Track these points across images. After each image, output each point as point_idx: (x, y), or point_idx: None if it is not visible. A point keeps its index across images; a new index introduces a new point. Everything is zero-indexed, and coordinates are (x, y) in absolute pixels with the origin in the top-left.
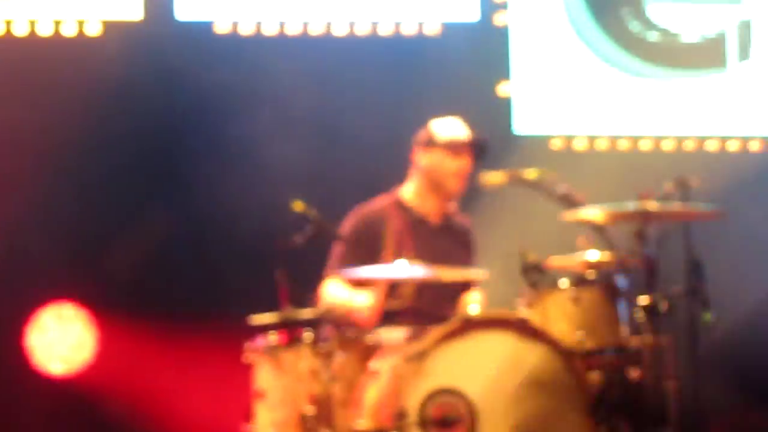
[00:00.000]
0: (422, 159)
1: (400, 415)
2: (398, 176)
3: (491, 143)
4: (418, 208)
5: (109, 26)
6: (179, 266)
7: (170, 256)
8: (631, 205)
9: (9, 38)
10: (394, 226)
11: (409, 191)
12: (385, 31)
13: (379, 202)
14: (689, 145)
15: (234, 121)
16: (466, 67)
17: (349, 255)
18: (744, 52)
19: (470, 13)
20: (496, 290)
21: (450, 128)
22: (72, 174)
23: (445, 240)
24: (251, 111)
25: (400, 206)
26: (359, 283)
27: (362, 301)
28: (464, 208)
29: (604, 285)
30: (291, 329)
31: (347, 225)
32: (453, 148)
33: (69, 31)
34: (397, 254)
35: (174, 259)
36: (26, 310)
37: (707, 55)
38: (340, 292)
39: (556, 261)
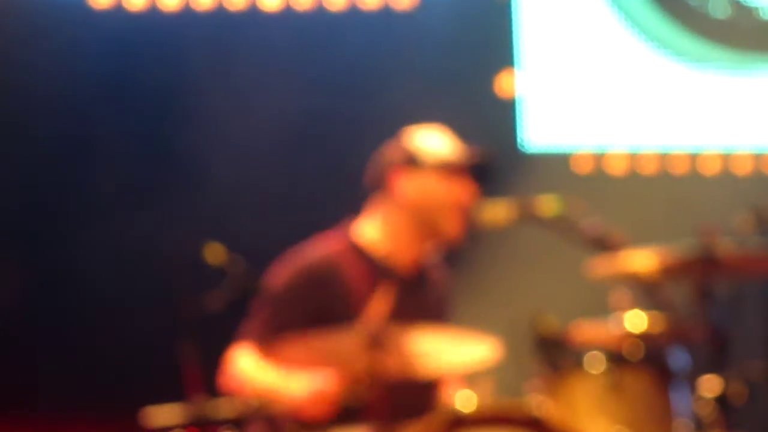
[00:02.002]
0: (402, 185)
1: None
2: (354, 207)
3: (496, 163)
4: (384, 255)
5: None
6: (44, 343)
7: (31, 329)
8: (689, 249)
9: None
10: (351, 280)
11: (371, 231)
12: (334, 3)
13: (325, 247)
14: None
15: (117, 130)
16: (453, 53)
17: (278, 319)
18: None
19: None
20: (498, 373)
21: (441, 142)
22: None
23: (421, 301)
24: (142, 116)
25: (358, 252)
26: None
27: (299, 388)
28: (451, 254)
29: (652, 365)
30: (203, 430)
31: (280, 279)
32: (450, 171)
33: None
34: (352, 316)
35: (36, 333)
36: None
37: None
38: (262, 371)
39: (583, 331)
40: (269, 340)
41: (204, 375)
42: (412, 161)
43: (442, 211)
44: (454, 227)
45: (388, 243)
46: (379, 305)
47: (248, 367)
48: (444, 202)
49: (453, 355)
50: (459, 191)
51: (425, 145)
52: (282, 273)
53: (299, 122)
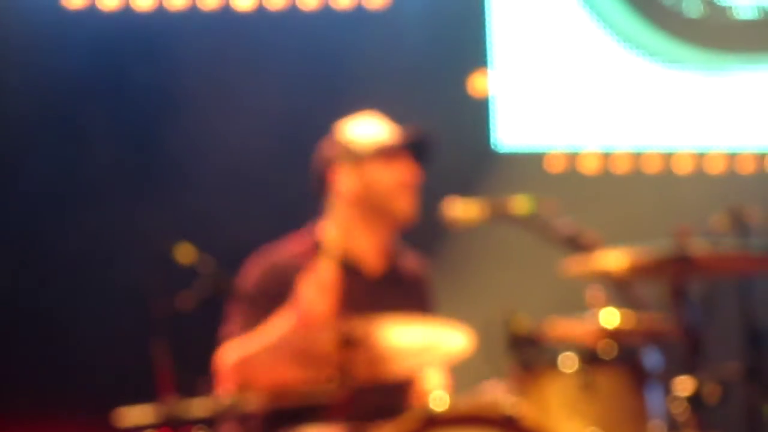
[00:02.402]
0: (344, 180)
1: None
2: (316, 208)
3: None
4: (348, 254)
5: None
6: (14, 342)
7: (0, 328)
8: (664, 249)
9: None
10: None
11: (331, 230)
12: (306, 3)
13: (291, 247)
14: (746, 165)
15: (87, 132)
16: (425, 52)
17: (254, 320)
18: None
19: None
20: (470, 371)
21: (373, 130)
22: None
23: (392, 297)
24: (113, 116)
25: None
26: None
27: (287, 316)
28: (424, 252)
29: (626, 364)
30: (176, 430)
31: (249, 279)
32: (388, 155)
33: None
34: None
35: (6, 332)
36: None
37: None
38: (248, 344)
39: (556, 329)
40: (249, 341)
41: (176, 374)
42: (347, 154)
43: (389, 196)
44: (405, 208)
45: (348, 241)
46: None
47: (234, 355)
48: (388, 186)
49: (427, 349)
50: (400, 172)
51: (358, 135)
52: (251, 273)
53: (272, 122)
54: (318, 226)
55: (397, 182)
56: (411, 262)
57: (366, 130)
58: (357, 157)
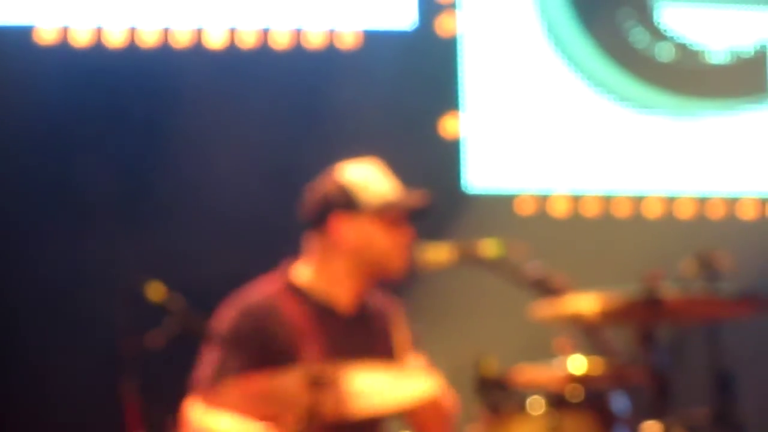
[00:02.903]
0: (342, 230)
1: None
2: (292, 247)
3: (435, 204)
4: (322, 294)
5: None
6: None
7: None
8: (633, 293)
9: None
10: (290, 321)
11: (307, 272)
12: (278, 41)
13: (264, 289)
14: (715, 210)
15: (56, 166)
16: (396, 93)
17: (229, 363)
18: None
19: (402, 18)
20: None
21: (379, 184)
22: None
23: (363, 336)
24: (84, 151)
25: (297, 293)
26: (239, 404)
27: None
28: (393, 294)
29: (594, 408)
30: None
31: (225, 322)
32: (390, 215)
33: None
34: (293, 357)
35: None
36: None
37: (741, 80)
38: (210, 417)
39: (525, 373)
40: (217, 386)
41: (144, 413)
42: (351, 204)
43: (386, 255)
44: (396, 268)
45: (325, 283)
46: (316, 345)
47: (201, 420)
48: (385, 247)
49: (394, 391)
50: (400, 236)
51: (364, 187)
52: (227, 317)
53: (242, 159)
54: (292, 267)
55: (397, 244)
56: (377, 300)
57: (371, 181)
58: (360, 210)
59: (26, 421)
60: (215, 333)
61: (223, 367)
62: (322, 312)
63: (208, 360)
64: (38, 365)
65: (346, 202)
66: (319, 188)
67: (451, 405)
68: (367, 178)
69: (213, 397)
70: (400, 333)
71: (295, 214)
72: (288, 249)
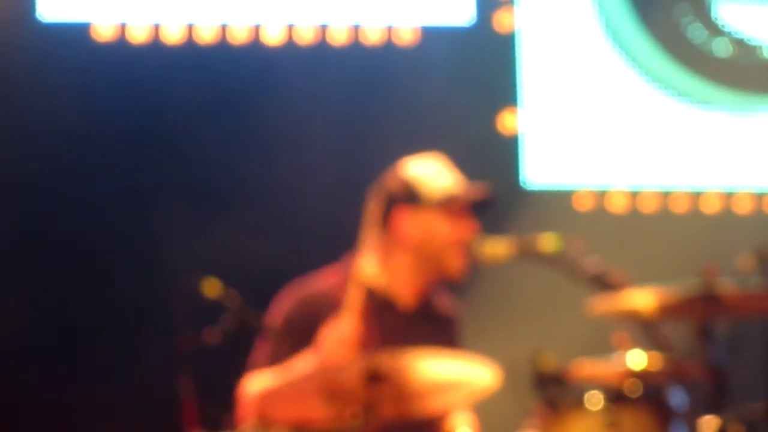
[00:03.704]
0: (404, 223)
1: None
2: (352, 241)
3: (496, 197)
4: (384, 288)
5: None
6: (42, 377)
7: (29, 362)
8: (690, 288)
9: None
10: (350, 313)
11: (371, 266)
12: (337, 38)
13: (326, 280)
14: None
15: (114, 165)
16: (454, 89)
17: (281, 353)
18: None
19: (460, 13)
20: (496, 410)
21: (442, 178)
22: None
23: (424, 333)
24: (142, 150)
25: (357, 286)
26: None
27: (304, 364)
28: (452, 288)
29: (652, 403)
30: None
31: (279, 312)
32: (453, 208)
33: None
34: (356, 352)
35: (34, 366)
36: None
37: None
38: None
39: (583, 368)
40: (275, 376)
41: (201, 409)
42: (413, 198)
43: (445, 250)
44: (457, 264)
45: (387, 277)
46: (374, 338)
47: (258, 386)
48: (447, 240)
49: (455, 385)
50: (462, 229)
51: (427, 180)
52: (282, 307)
53: (301, 155)
54: (355, 260)
55: (458, 238)
56: (444, 301)
57: (435, 175)
58: (422, 204)
59: (85, 418)
60: (271, 323)
61: (277, 356)
62: (382, 305)
63: (263, 349)
64: (98, 362)
65: (408, 196)
66: (383, 183)
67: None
68: (430, 172)
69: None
70: (460, 336)
71: (355, 212)
72: (349, 246)
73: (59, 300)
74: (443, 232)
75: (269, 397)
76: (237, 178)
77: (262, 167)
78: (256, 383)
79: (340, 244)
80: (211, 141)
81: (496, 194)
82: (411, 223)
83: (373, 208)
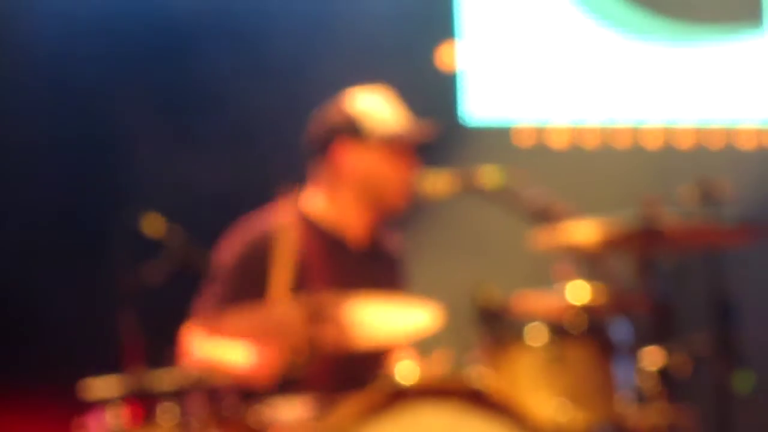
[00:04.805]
0: (346, 158)
1: None
2: (294, 177)
3: (440, 137)
4: (333, 225)
5: None
6: None
7: None
8: (633, 221)
9: None
10: (299, 251)
11: (317, 201)
12: None
13: (274, 219)
14: (714, 138)
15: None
16: (393, 24)
17: (229, 294)
18: None
19: None
20: (438, 344)
21: (387, 113)
22: None
23: (374, 272)
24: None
25: (306, 223)
26: (239, 333)
27: (242, 358)
28: (393, 224)
29: (594, 337)
30: (143, 401)
31: (226, 252)
32: (396, 146)
33: None
34: (302, 291)
35: None
36: None
37: (739, 5)
38: (210, 344)
39: (525, 302)
40: (218, 315)
41: (144, 347)
42: (357, 132)
43: (387, 185)
44: (399, 199)
45: (335, 214)
46: (323, 277)
47: (198, 345)
48: (389, 176)
49: (394, 323)
50: (404, 165)
51: (371, 115)
52: (230, 247)
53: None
54: (302, 196)
55: (401, 174)
56: (393, 241)
57: (378, 110)
58: (366, 138)
59: (27, 356)
60: (218, 264)
61: (224, 297)
62: (333, 244)
63: (210, 290)
64: (38, 300)
65: (352, 130)
66: (325, 115)
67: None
68: (374, 106)
69: (213, 326)
70: (405, 273)
71: (301, 145)
72: (296, 180)
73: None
74: (386, 169)
75: (210, 330)
76: (189, 112)
77: (212, 100)
78: (197, 340)
79: (287, 178)
80: (149, 75)
81: (438, 132)
82: (354, 157)
83: (315, 138)
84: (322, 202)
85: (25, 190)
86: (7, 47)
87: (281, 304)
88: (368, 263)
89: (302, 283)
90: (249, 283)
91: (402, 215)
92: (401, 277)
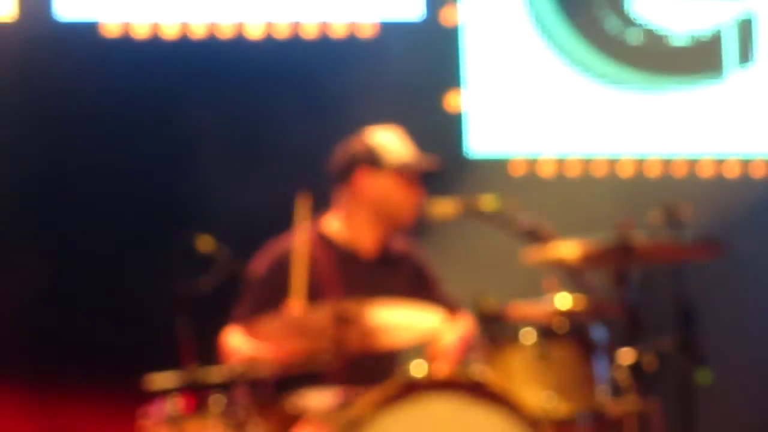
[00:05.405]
0: (365, 183)
1: None
2: (321, 205)
3: (443, 168)
4: (347, 242)
5: None
6: (60, 319)
7: (48, 307)
8: (609, 240)
9: None
10: (318, 265)
11: (334, 222)
12: (308, 32)
13: (294, 237)
14: (679, 169)
15: (123, 141)
16: (407, 74)
17: (260, 301)
18: (744, 55)
19: (411, 10)
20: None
21: (400, 147)
22: None
23: (386, 275)
24: (145, 128)
25: (323, 240)
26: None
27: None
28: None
29: (577, 338)
30: (196, 393)
31: (258, 265)
32: (407, 174)
33: None
34: (320, 296)
35: (52, 310)
36: None
37: (700, 59)
38: (245, 346)
39: (518, 309)
40: (253, 320)
41: (196, 346)
42: (375, 161)
43: (400, 209)
44: (408, 218)
45: (348, 232)
46: (340, 286)
47: (236, 344)
48: (402, 201)
49: (409, 325)
50: (415, 193)
51: (387, 148)
52: (261, 261)
53: (284, 127)
54: (322, 218)
55: (410, 200)
56: (399, 243)
57: (393, 143)
58: (381, 167)
59: (103, 354)
60: (252, 277)
61: (256, 304)
62: (346, 257)
63: (245, 299)
64: (112, 306)
65: (371, 160)
66: (347, 147)
67: (468, 336)
68: (390, 141)
69: (250, 329)
70: (422, 266)
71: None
72: (319, 206)
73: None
74: (398, 195)
75: (249, 333)
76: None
77: (252, 141)
78: (236, 335)
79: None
80: (203, 116)
81: (443, 164)
82: (372, 183)
83: (338, 165)
84: (339, 222)
85: (103, 211)
86: (84, 87)
87: (312, 309)
88: (379, 270)
89: (320, 289)
90: (275, 292)
91: (413, 234)
92: (413, 272)
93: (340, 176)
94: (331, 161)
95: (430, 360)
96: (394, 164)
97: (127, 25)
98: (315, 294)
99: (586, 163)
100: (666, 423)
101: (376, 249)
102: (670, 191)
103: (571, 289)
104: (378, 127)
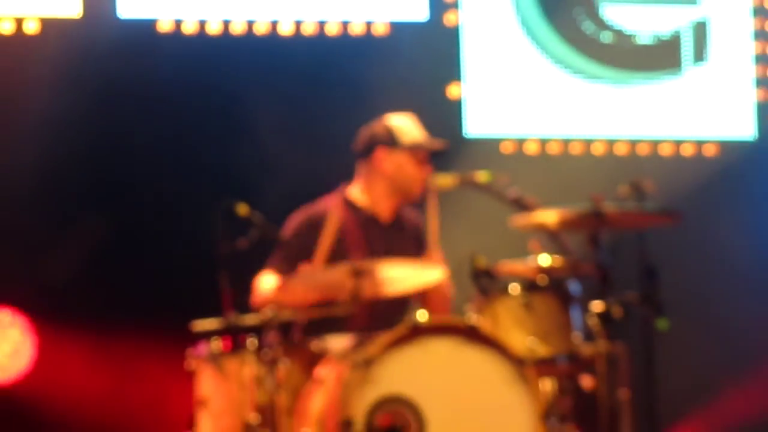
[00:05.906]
0: (383, 161)
1: (346, 424)
2: (346, 176)
3: (448, 149)
4: (368, 207)
5: (46, 23)
6: (118, 272)
7: (109, 261)
8: (583, 209)
9: None
10: (341, 224)
11: (358, 191)
12: (331, 30)
13: (325, 203)
14: (643, 149)
15: (175, 122)
16: (416, 67)
17: (289, 257)
18: (699, 54)
19: (419, 13)
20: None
21: (413, 130)
22: (4, 179)
23: (398, 237)
24: (194, 112)
25: (348, 205)
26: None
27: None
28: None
29: (556, 291)
30: (234, 335)
31: (289, 227)
32: (419, 153)
33: (5, 29)
34: (344, 254)
35: (113, 264)
36: None
37: (662, 57)
38: (273, 286)
39: (506, 266)
40: (284, 273)
41: (235, 296)
42: (391, 141)
43: (410, 183)
44: (417, 194)
45: (369, 200)
46: (361, 244)
47: (268, 284)
48: (413, 176)
49: (414, 278)
50: (424, 169)
51: (402, 129)
52: (292, 222)
53: (311, 121)
54: (347, 188)
55: (420, 175)
56: (410, 213)
57: (407, 126)
58: (398, 146)
59: (155, 303)
60: (283, 236)
61: (286, 260)
62: (367, 220)
63: (276, 255)
64: (167, 263)
65: (388, 140)
66: (369, 129)
67: (449, 290)
68: (405, 124)
69: (281, 284)
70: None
71: (337, 154)
72: (341, 179)
73: (131, 215)
74: (410, 169)
75: (281, 288)
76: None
77: (289, 124)
78: (267, 279)
79: (337, 177)
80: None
81: (447, 144)
82: (388, 160)
83: (361, 144)
84: (360, 191)
85: (162, 181)
86: (142, 74)
87: (332, 266)
88: (394, 233)
89: (346, 248)
90: (303, 250)
91: (419, 203)
92: (419, 238)
93: (363, 152)
94: (356, 140)
95: (429, 303)
96: (408, 144)
97: (179, 23)
98: (341, 249)
99: (565, 143)
100: (630, 363)
101: (390, 215)
102: (635, 168)
103: (552, 250)
104: (394, 113)
